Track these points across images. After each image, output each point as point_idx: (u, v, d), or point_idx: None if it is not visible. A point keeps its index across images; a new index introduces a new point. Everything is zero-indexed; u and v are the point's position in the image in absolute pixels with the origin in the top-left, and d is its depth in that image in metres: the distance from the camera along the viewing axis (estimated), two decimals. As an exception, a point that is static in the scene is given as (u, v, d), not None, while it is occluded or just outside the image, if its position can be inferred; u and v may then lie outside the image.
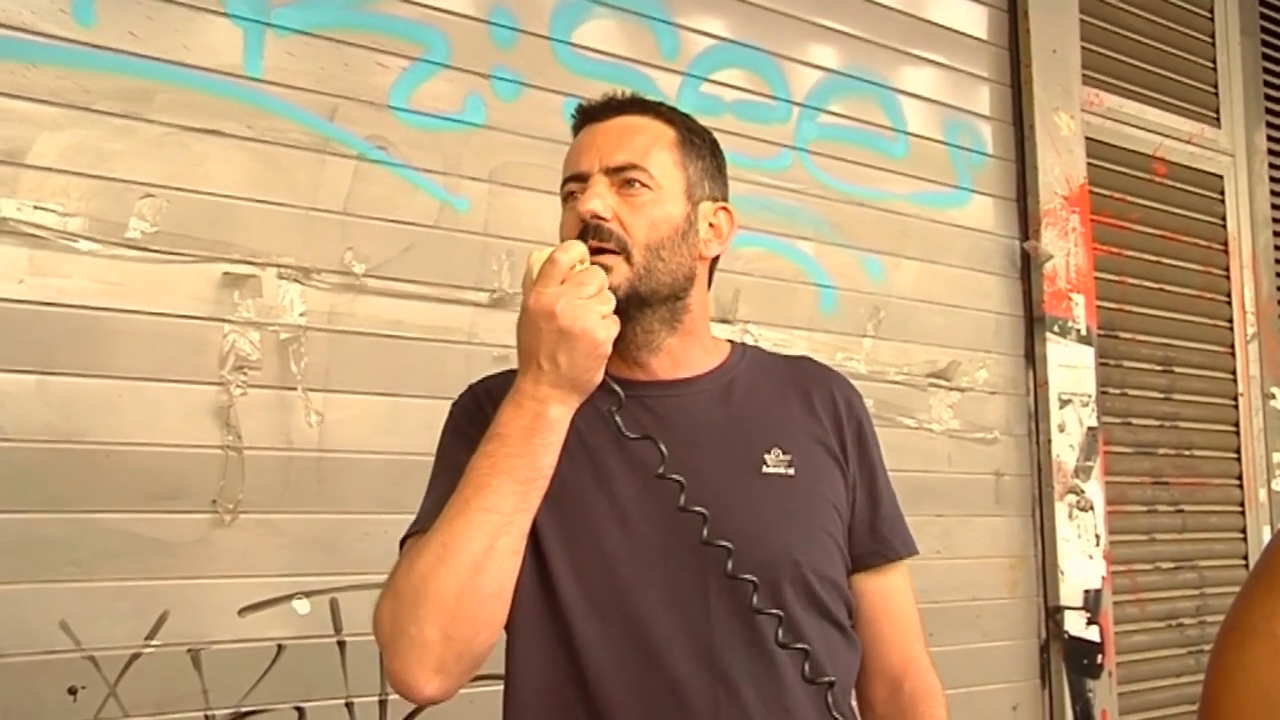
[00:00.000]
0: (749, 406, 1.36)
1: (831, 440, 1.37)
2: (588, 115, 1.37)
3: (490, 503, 1.15)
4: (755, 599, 1.22)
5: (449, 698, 1.17)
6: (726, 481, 1.29)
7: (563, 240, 1.26)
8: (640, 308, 1.28)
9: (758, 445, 1.32)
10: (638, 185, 1.29)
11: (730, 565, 1.22)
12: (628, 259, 1.26)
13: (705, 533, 1.21)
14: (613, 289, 1.22)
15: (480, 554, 1.14)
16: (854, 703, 1.40)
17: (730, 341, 1.45)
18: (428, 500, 1.29)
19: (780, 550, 1.28)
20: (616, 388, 1.25)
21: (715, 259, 1.39)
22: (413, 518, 1.29)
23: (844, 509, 1.37)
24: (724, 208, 1.38)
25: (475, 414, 1.31)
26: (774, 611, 1.23)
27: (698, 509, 1.21)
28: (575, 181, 1.31)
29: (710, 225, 1.36)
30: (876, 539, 1.40)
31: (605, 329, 1.18)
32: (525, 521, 1.18)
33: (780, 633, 1.23)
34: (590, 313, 1.16)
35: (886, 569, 1.41)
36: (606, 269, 1.23)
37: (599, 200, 1.27)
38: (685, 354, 1.36)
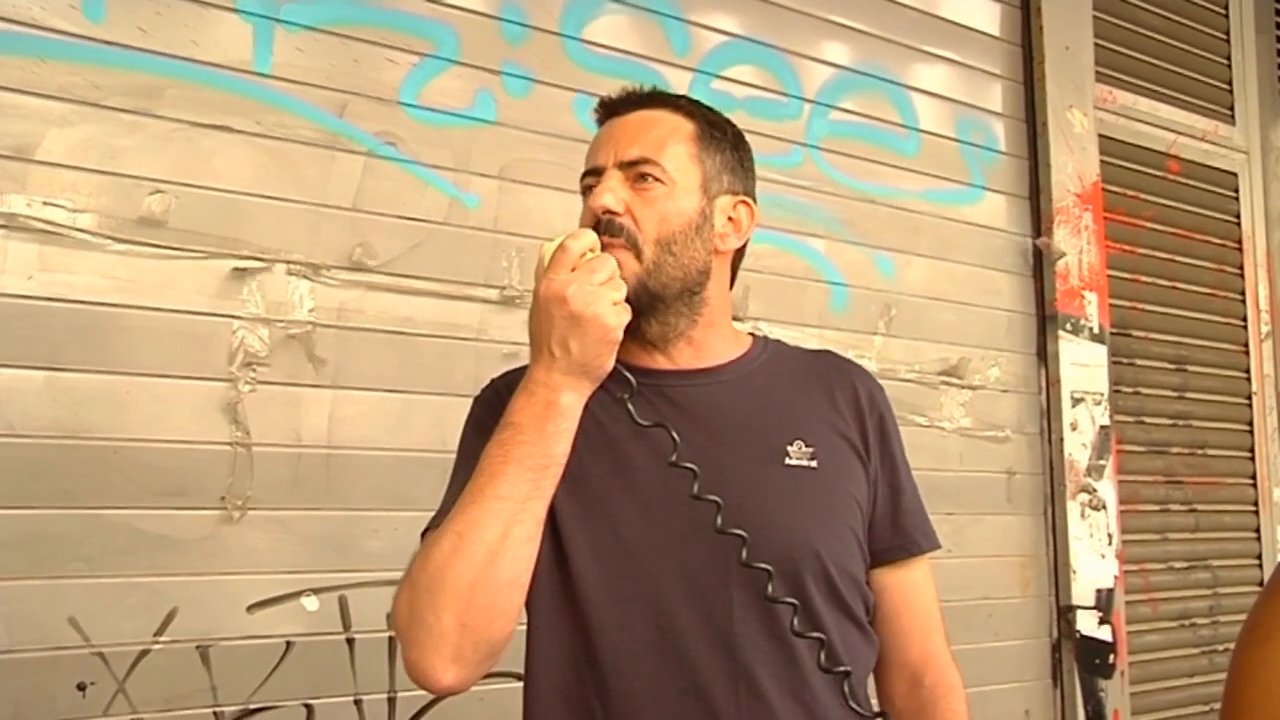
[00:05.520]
0: (771, 397, 1.35)
1: (853, 433, 1.36)
2: (608, 109, 1.37)
3: (503, 491, 1.16)
4: (770, 588, 1.21)
5: (466, 688, 1.18)
6: (749, 471, 1.28)
7: None
8: (653, 301, 1.28)
9: (780, 437, 1.31)
10: (650, 180, 1.29)
11: (745, 554, 1.21)
12: (637, 254, 1.26)
13: (719, 521, 1.20)
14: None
15: (495, 543, 1.15)
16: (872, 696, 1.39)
17: (752, 334, 1.44)
18: (448, 493, 1.29)
19: (803, 543, 1.27)
20: (629, 375, 1.24)
21: (740, 252, 1.39)
22: (425, 513, 1.29)
23: (865, 503, 1.36)
24: (744, 201, 1.37)
25: (496, 407, 1.30)
26: (789, 600, 1.22)
27: (710, 498, 1.21)
28: (592, 175, 1.32)
29: (729, 219, 1.35)
30: (898, 533, 1.39)
31: (616, 315, 1.18)
32: (540, 509, 1.18)
33: (795, 621, 1.22)
34: (601, 298, 1.17)
35: (909, 563, 1.40)
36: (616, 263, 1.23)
37: (611, 195, 1.27)
38: (707, 344, 1.35)
